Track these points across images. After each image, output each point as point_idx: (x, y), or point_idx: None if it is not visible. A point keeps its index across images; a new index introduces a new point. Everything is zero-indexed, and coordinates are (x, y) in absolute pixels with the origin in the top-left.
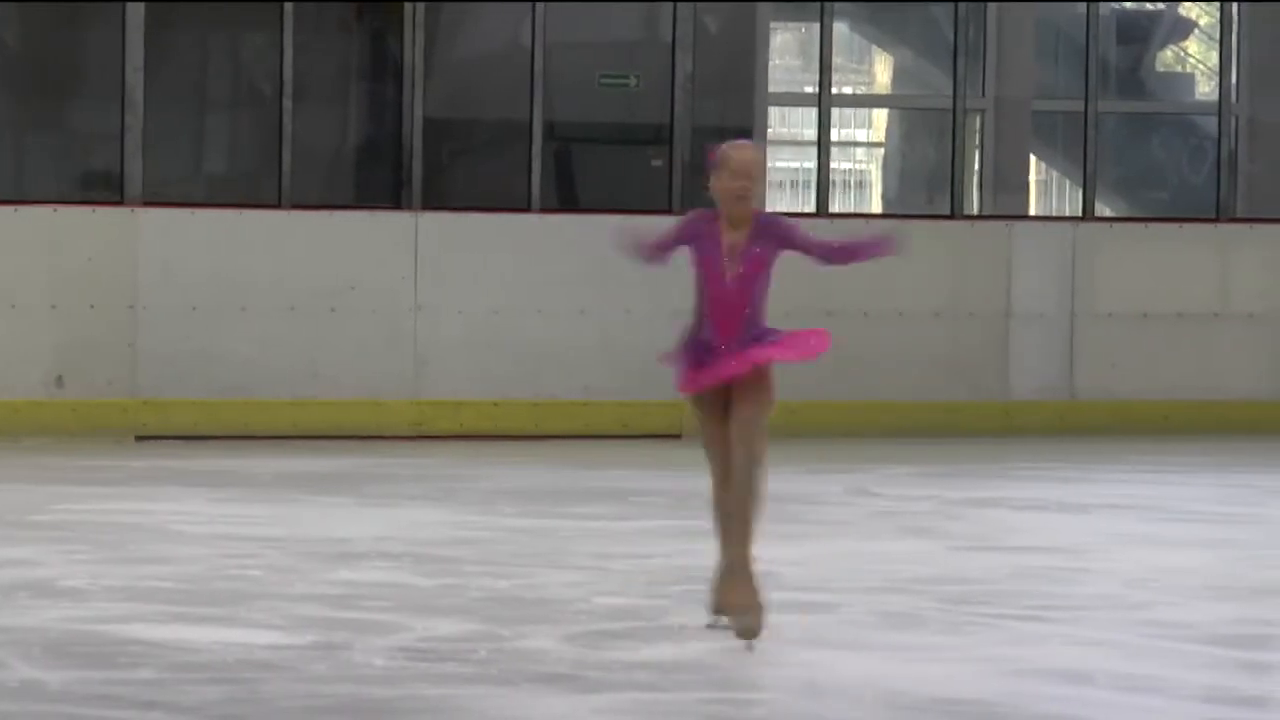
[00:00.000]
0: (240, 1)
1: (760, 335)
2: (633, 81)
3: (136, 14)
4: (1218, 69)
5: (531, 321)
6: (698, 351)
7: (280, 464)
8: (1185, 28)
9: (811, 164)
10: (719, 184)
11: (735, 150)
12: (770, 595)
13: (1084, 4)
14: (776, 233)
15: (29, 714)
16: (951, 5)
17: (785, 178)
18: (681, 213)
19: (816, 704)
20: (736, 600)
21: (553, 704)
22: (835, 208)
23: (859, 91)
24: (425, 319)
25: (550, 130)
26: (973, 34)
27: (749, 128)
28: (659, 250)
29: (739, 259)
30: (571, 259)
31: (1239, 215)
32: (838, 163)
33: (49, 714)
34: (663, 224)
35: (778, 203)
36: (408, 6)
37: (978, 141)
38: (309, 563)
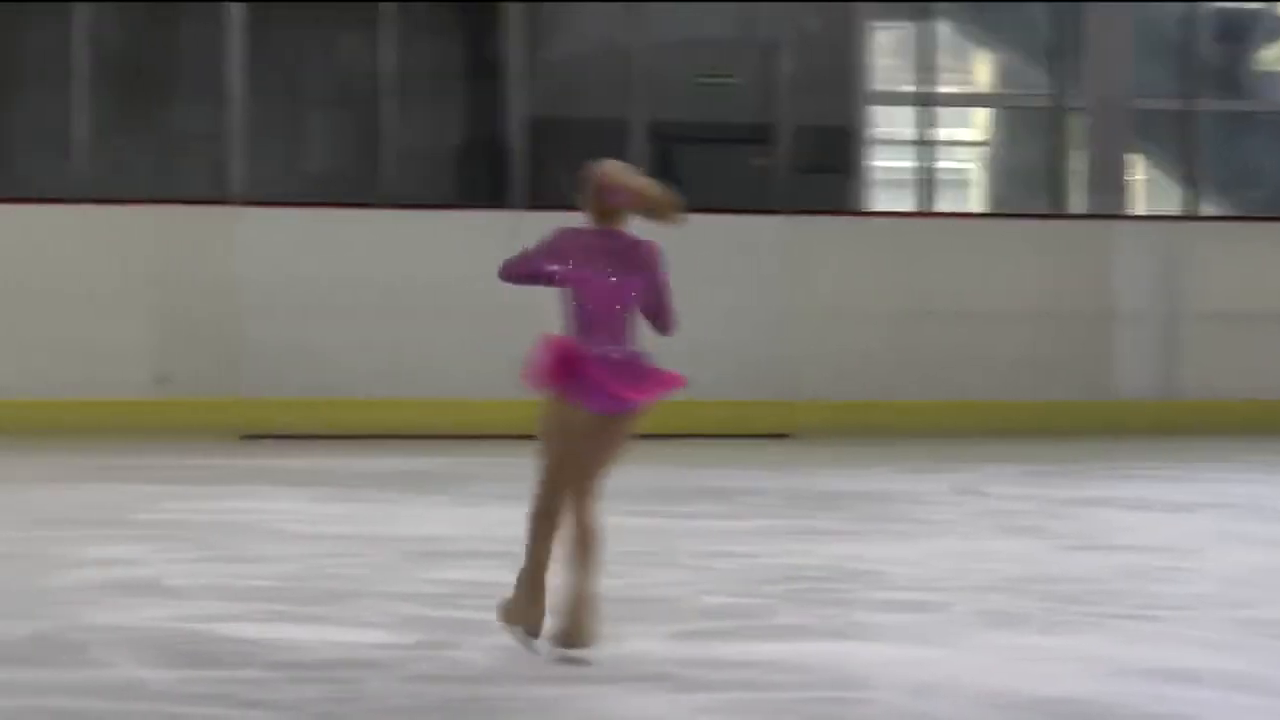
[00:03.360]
0: (339, 1)
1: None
2: (732, 80)
3: (236, 14)
4: None
5: None
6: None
7: (381, 463)
8: None
9: (913, 163)
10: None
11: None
12: (877, 595)
13: (1183, 3)
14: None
15: (131, 713)
16: (1050, 5)
17: (887, 177)
18: (782, 211)
19: (922, 703)
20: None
21: (655, 703)
22: (937, 207)
23: (961, 90)
24: (524, 319)
25: (652, 129)
26: (1072, 33)
27: (851, 126)
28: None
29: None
30: (673, 257)
31: None
32: (939, 162)
33: (151, 713)
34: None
35: (879, 202)
36: (508, 6)
37: (1079, 140)
38: (410, 561)
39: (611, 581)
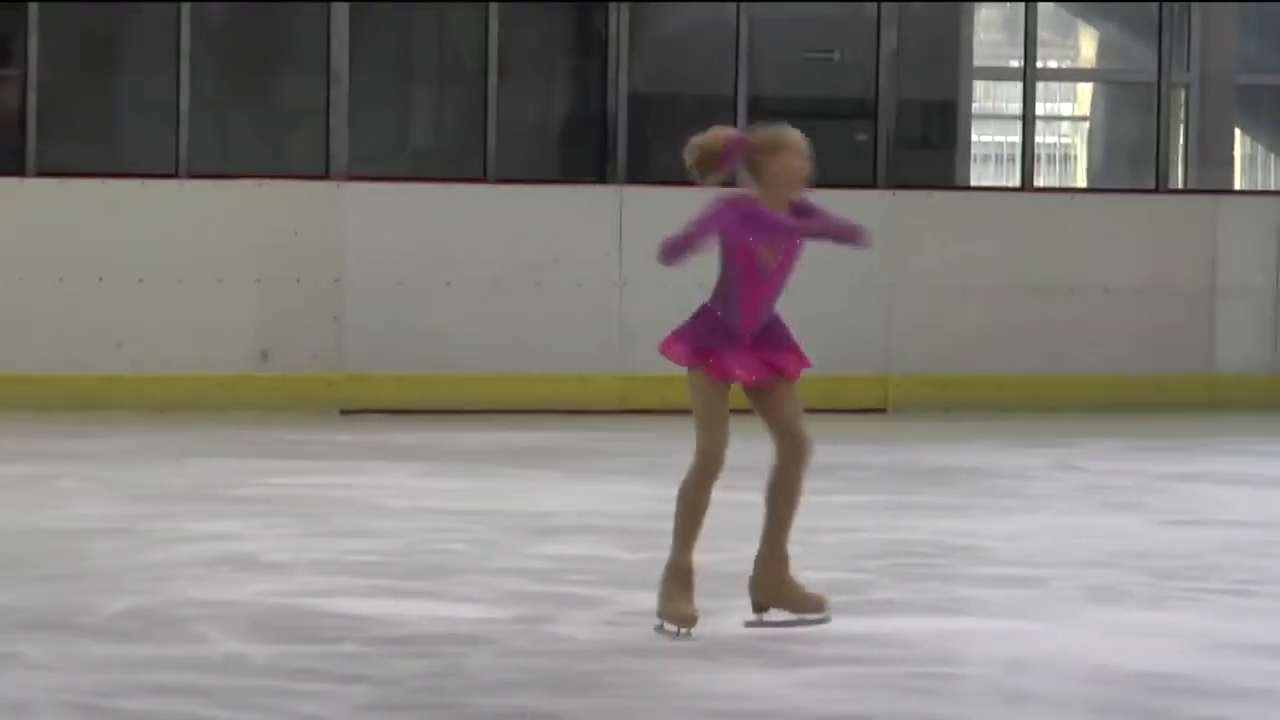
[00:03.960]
0: None
1: (773, 324)
2: (836, 56)
3: None
4: None
5: None
6: (723, 336)
7: (484, 438)
8: None
9: (1016, 138)
10: (783, 164)
11: (786, 131)
12: (977, 570)
13: None
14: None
15: (233, 688)
16: None
17: (990, 151)
18: (887, 187)
19: (1021, 678)
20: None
21: (756, 678)
22: (1040, 182)
23: (1064, 66)
24: (629, 293)
25: (755, 104)
26: (1177, 8)
27: (954, 100)
28: (688, 247)
29: (780, 247)
30: None
31: None
32: (1042, 137)
33: (253, 688)
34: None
35: (982, 177)
36: None
37: (1182, 116)
38: (512, 536)
39: (712, 556)
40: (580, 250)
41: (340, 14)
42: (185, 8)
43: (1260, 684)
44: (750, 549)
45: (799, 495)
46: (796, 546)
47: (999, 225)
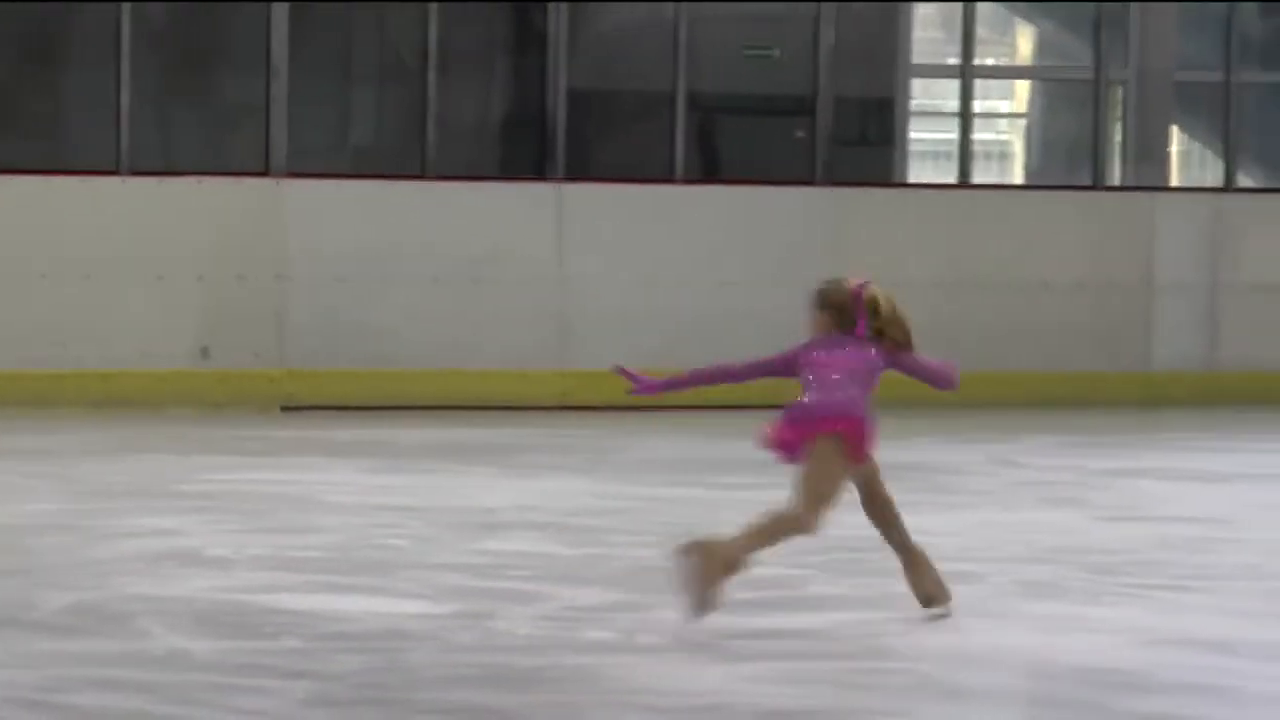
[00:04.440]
0: None
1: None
2: (775, 53)
3: None
4: None
5: (675, 291)
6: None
7: (425, 434)
8: None
9: (954, 135)
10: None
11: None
12: None
13: None
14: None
15: (176, 683)
16: None
17: (928, 148)
18: (825, 184)
19: (960, 673)
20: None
21: (696, 673)
22: (977, 179)
23: (1001, 63)
24: (569, 290)
25: (693, 101)
26: (1116, 6)
27: (891, 98)
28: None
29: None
30: (714, 228)
31: None
32: (980, 134)
33: (196, 683)
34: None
35: (919, 174)
36: None
37: (1120, 113)
38: (453, 533)
39: (649, 552)
40: (520, 246)
41: (280, 13)
42: (126, 6)
43: (1197, 679)
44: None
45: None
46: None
47: (937, 222)
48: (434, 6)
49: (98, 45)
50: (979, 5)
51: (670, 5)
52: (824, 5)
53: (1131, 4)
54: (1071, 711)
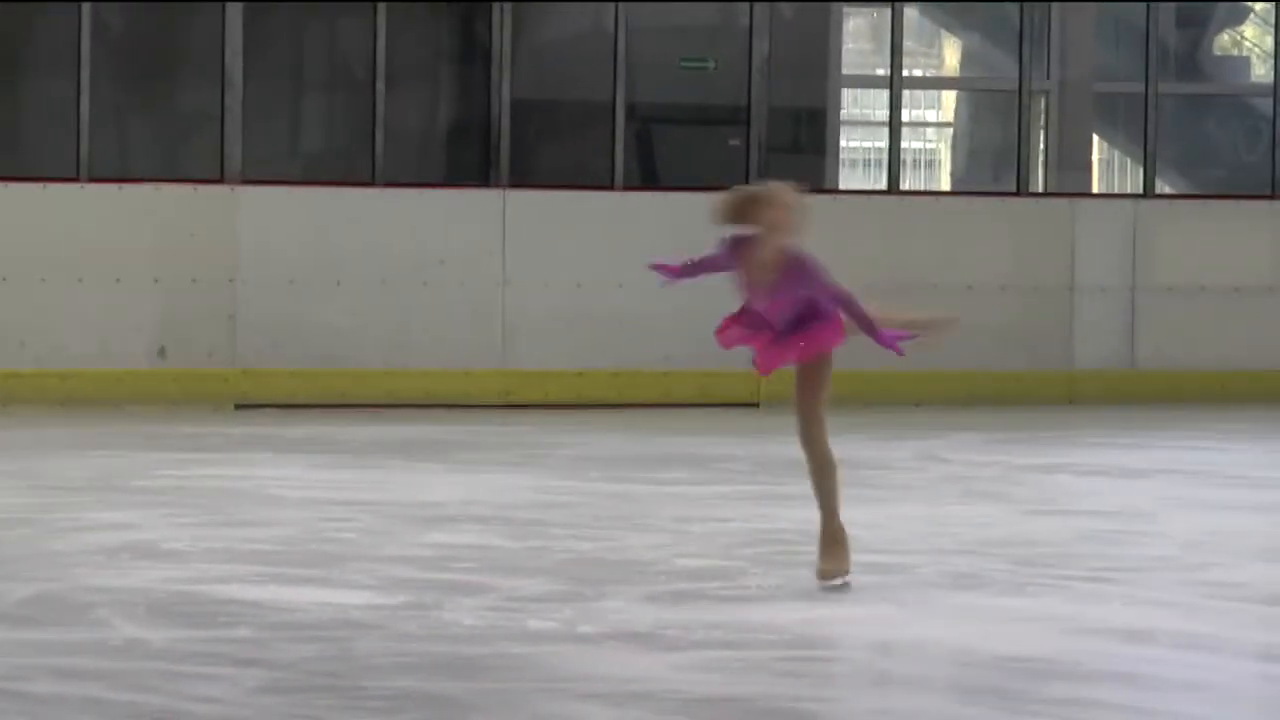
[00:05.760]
0: None
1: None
2: (711, 64)
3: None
4: (1273, 52)
5: (613, 294)
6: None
7: (373, 431)
8: (1241, 13)
9: (883, 144)
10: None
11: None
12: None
13: None
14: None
15: (132, 671)
16: None
17: (858, 156)
18: None
19: (887, 661)
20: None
21: (634, 661)
22: (905, 186)
23: (929, 74)
24: (512, 292)
25: (632, 111)
26: (1037, 19)
27: (823, 107)
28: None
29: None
30: (652, 234)
31: None
32: (908, 142)
33: (152, 671)
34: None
35: (850, 181)
36: None
37: (1042, 122)
38: (401, 526)
39: (589, 545)
40: (465, 250)
41: (234, 23)
42: (87, 15)
43: (1117, 667)
44: (635, 538)
45: (814, 472)
46: (667, 535)
47: (867, 227)
48: (382, 20)
49: (58, 54)
50: (906, 19)
51: (610, 18)
52: (758, 15)
53: (1053, 16)
54: (996, 698)
